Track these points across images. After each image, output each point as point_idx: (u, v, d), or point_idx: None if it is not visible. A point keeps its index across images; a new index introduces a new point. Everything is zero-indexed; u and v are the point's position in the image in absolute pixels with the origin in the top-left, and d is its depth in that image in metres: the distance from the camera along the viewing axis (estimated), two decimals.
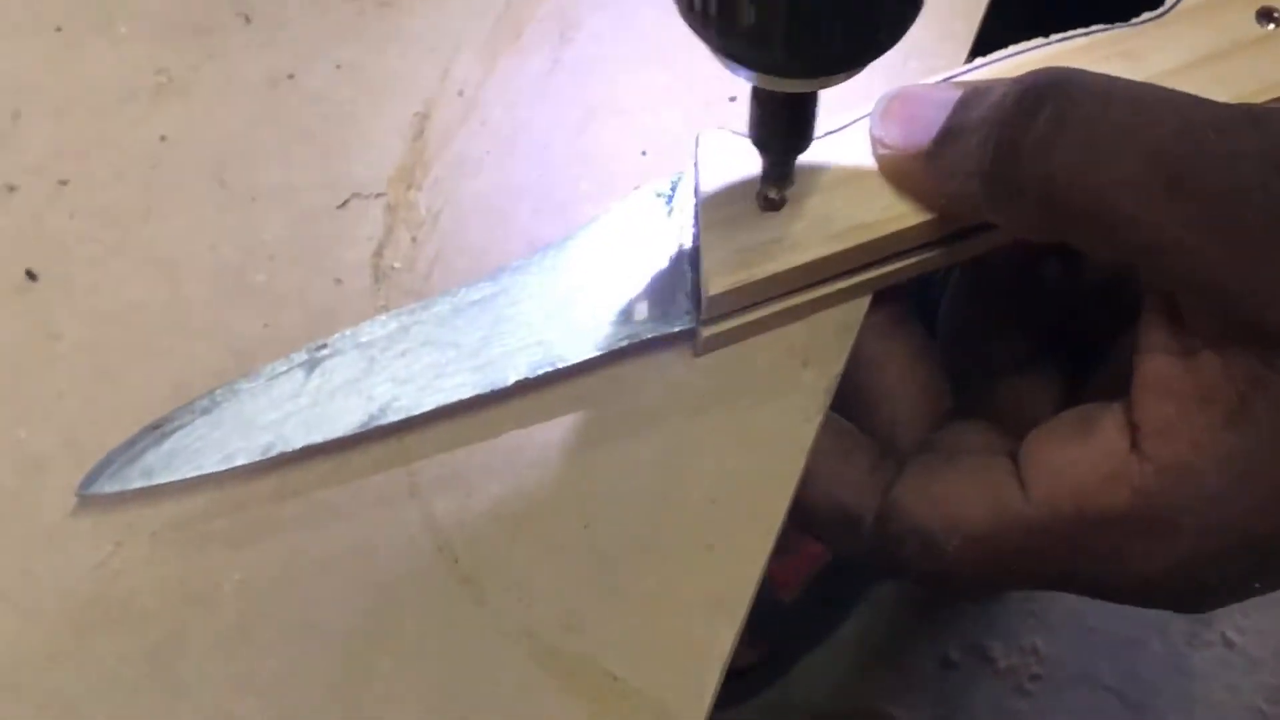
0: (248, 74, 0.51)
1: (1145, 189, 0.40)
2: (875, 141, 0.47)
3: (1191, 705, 1.34)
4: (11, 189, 0.48)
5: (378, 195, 0.49)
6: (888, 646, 1.32)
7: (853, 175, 0.47)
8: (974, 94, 0.44)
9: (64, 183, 0.48)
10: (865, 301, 0.48)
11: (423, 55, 0.51)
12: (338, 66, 0.51)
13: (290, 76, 0.51)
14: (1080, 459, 0.43)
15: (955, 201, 0.45)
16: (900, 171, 0.46)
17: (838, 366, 0.48)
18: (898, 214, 0.46)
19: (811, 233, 0.46)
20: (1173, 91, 0.41)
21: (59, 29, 0.51)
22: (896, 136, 0.46)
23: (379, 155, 0.50)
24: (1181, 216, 0.39)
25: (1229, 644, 1.35)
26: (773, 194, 0.46)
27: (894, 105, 0.46)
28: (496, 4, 0.52)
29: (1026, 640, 1.34)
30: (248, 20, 0.51)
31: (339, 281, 0.48)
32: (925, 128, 0.45)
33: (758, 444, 0.47)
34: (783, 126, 0.44)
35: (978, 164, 0.43)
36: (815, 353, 0.48)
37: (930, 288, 0.56)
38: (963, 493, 0.45)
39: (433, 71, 0.51)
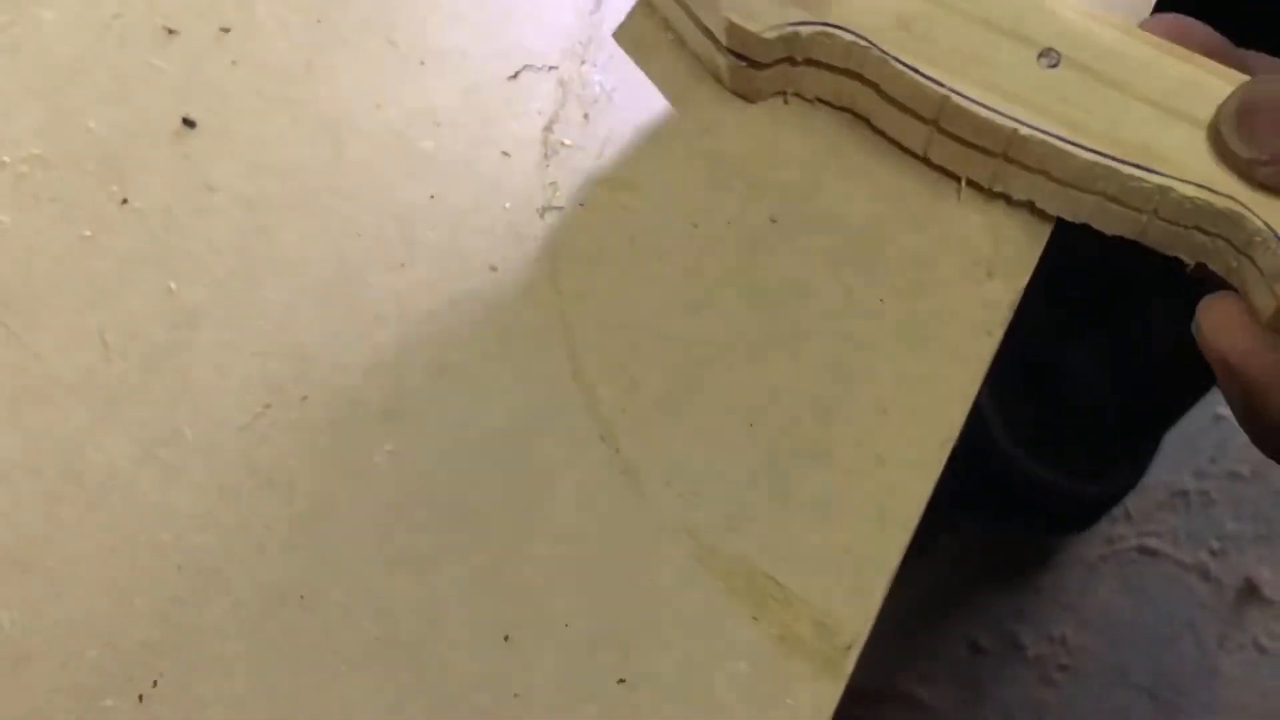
0: None
1: None
2: (1250, 163, 0.43)
3: (1219, 707, 1.32)
4: (171, 32, 0.46)
5: (550, 68, 0.47)
6: (916, 628, 1.31)
7: None
8: None
9: (226, 30, 0.46)
10: (1052, 219, 0.46)
11: None
12: None
13: None
14: None
15: None
16: None
17: (1023, 280, 0.45)
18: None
19: None
20: None
21: None
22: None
23: (553, 26, 0.47)
24: None
25: (1261, 649, 1.34)
26: None
27: (1258, 118, 0.43)
28: None
29: (1056, 630, 1.33)
30: None
31: (506, 155, 0.46)
32: None
33: (935, 354, 0.45)
34: None
35: None
36: (1001, 265, 0.45)
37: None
38: None
39: None
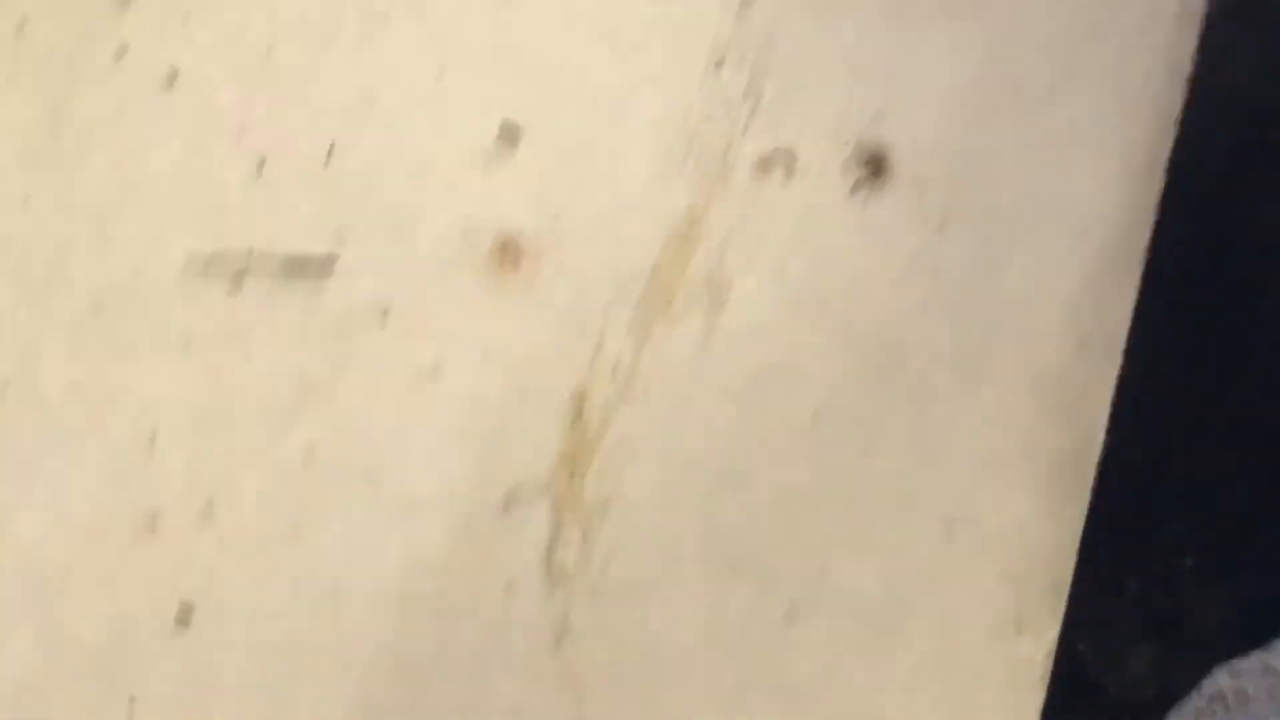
0: (392, 373, 0.48)
1: None
2: None
3: None
4: (155, 518, 0.45)
5: (541, 488, 0.46)
6: None
7: None
8: None
9: (209, 506, 0.46)
10: (1072, 562, 0.45)
11: (571, 335, 0.49)
12: (485, 355, 0.48)
13: (436, 370, 0.48)
14: None
15: None
16: None
17: (1054, 631, 0.44)
18: None
19: None
20: None
21: (189, 343, 0.48)
22: None
23: (537, 445, 0.47)
24: None
25: None
26: None
27: None
28: (642, 273, 0.50)
29: None
30: (385, 315, 0.49)
31: (510, 588, 0.45)
32: None
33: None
34: None
35: None
36: (1029, 617, 0.44)
37: None
38: None
39: (583, 351, 0.48)
